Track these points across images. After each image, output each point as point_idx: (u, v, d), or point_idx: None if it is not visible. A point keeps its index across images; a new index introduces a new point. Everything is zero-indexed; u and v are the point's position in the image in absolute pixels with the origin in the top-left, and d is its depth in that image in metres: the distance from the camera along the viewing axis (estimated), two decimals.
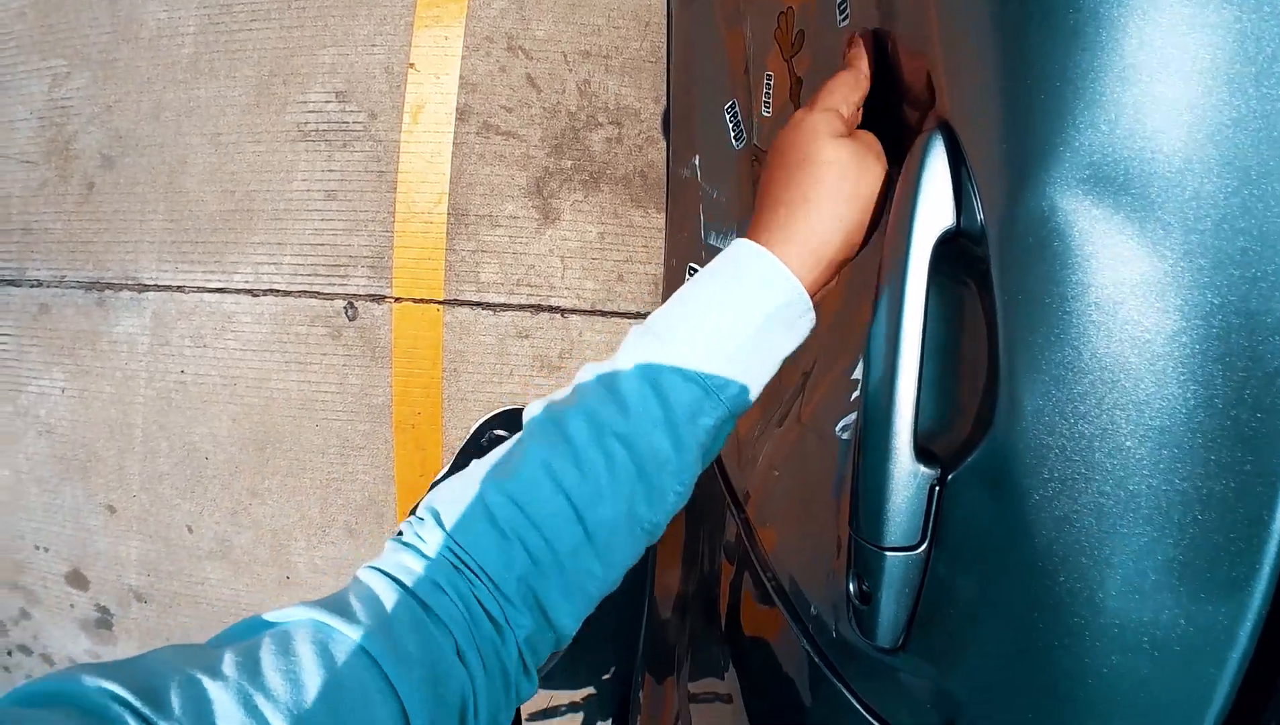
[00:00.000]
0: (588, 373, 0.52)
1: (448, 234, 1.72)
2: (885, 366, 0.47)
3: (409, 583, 0.46)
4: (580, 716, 1.86)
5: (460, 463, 1.68)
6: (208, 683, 0.36)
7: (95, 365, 2.10)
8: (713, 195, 1.18)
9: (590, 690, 1.84)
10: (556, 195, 1.68)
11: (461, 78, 1.70)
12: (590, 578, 0.49)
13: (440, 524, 0.48)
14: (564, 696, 1.83)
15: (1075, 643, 0.43)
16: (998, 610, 0.46)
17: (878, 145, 0.54)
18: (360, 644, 0.41)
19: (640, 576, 1.56)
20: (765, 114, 0.95)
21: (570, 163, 1.66)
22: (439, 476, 1.73)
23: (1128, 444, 0.40)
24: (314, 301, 1.82)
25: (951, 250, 0.47)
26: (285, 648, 0.39)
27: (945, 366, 0.49)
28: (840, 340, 0.66)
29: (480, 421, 1.76)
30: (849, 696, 0.59)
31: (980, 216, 0.46)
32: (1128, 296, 0.40)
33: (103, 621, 2.28)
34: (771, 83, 0.93)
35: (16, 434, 2.23)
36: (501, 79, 1.69)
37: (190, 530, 2.07)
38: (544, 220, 1.69)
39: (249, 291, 1.88)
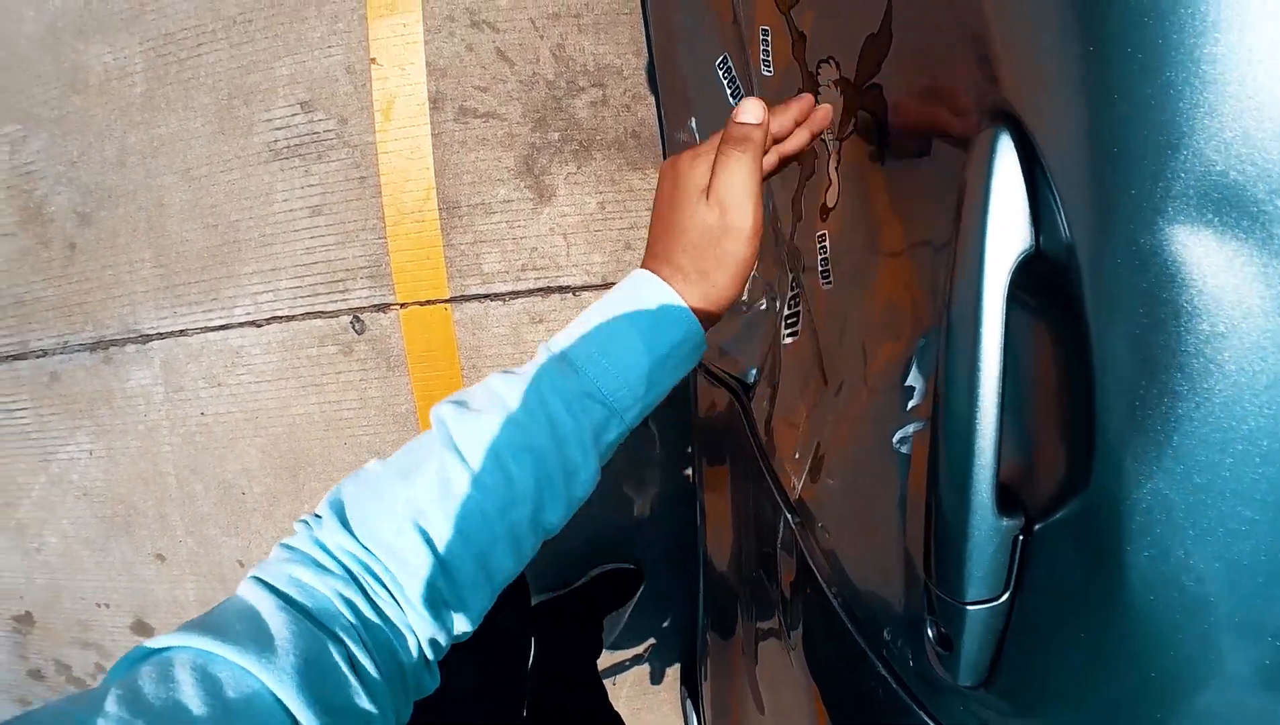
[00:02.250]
0: (500, 384, 0.44)
1: (442, 230, 1.37)
2: (961, 413, 0.36)
3: (296, 596, 0.37)
4: (647, 668, 1.57)
5: None
6: (89, 721, 0.29)
7: (116, 422, 1.73)
8: None
9: (652, 641, 1.55)
10: (548, 171, 1.33)
11: (428, 64, 1.33)
12: (499, 571, 0.43)
13: (345, 526, 0.40)
14: (628, 652, 1.54)
15: (1172, 698, 0.35)
16: (1089, 657, 0.37)
17: (750, 192, 0.44)
18: (240, 665, 0.33)
19: (688, 537, 1.27)
20: (766, 73, 0.75)
21: (557, 134, 1.31)
22: None
23: (1246, 513, 0.31)
24: (319, 322, 1.47)
25: (1031, 270, 0.35)
26: (165, 675, 0.32)
27: (1026, 401, 0.38)
28: (892, 339, 0.52)
29: None
30: (928, 720, 0.49)
31: (1066, 234, 0.33)
32: (1262, 341, 0.29)
33: None
34: (769, 39, 0.74)
35: (55, 502, 1.86)
36: (470, 58, 1.33)
37: (241, 564, 1.72)
38: (539, 199, 1.34)
39: (252, 323, 1.51)
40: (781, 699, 0.86)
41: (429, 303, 1.43)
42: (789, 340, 0.77)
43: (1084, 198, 0.32)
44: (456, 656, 0.46)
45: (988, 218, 0.35)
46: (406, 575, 0.39)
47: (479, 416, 0.42)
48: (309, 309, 1.49)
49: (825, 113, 0.51)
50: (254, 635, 0.35)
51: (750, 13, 0.78)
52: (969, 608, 0.39)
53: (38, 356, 1.79)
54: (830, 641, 0.65)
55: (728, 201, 0.43)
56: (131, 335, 1.66)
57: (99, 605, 1.94)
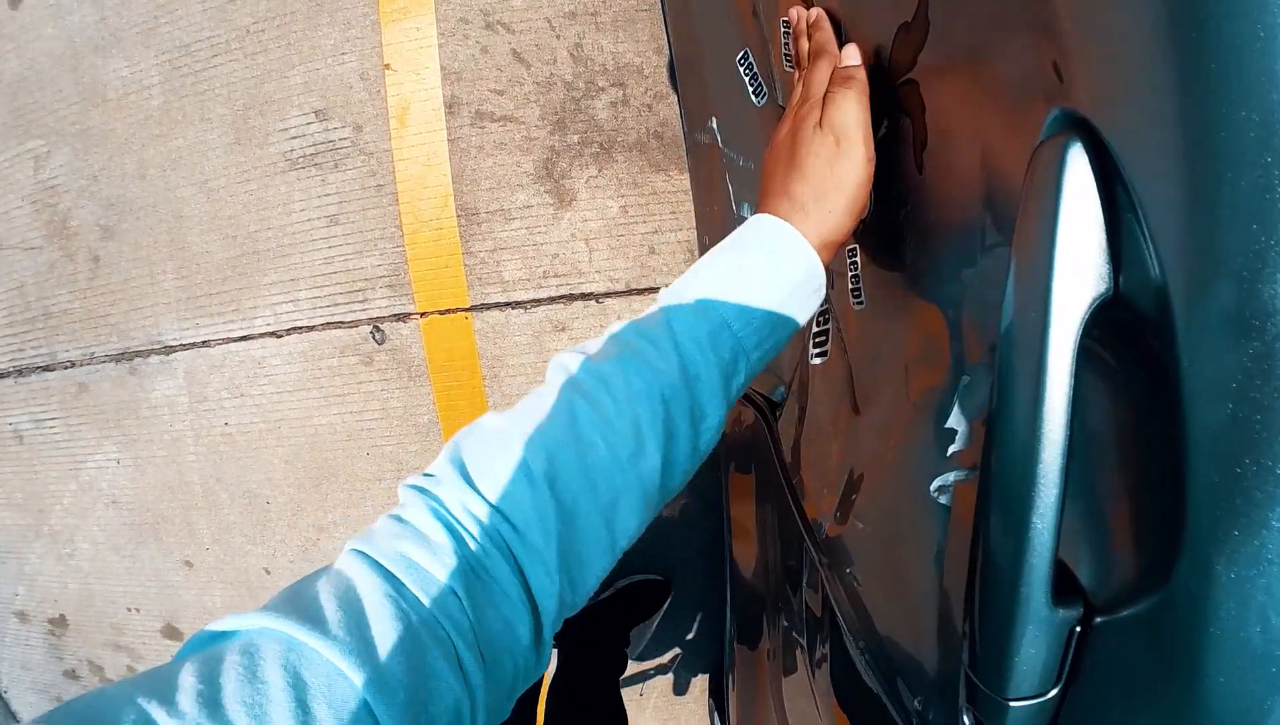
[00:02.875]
0: (623, 329, 0.41)
1: (461, 237, 1.28)
2: (1015, 488, 0.29)
3: (405, 579, 0.31)
4: (674, 677, 1.49)
5: None
6: (161, 718, 0.24)
7: (142, 432, 1.66)
8: (738, 162, 0.87)
9: (679, 651, 1.46)
10: (568, 175, 1.23)
11: (443, 68, 1.24)
12: (622, 532, 0.38)
13: (469, 482, 0.34)
14: (655, 662, 1.45)
15: None
16: None
17: (861, 122, 0.44)
18: (338, 668, 0.27)
19: (717, 548, 1.18)
20: (789, 69, 0.68)
21: (576, 137, 1.21)
22: None
23: None
24: (339, 332, 1.38)
25: (1108, 316, 0.27)
26: (251, 672, 0.26)
27: (1095, 471, 0.30)
28: (931, 374, 0.44)
29: None
30: None
31: (1157, 275, 0.25)
32: None
33: None
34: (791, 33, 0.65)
35: (85, 509, 1.80)
36: (485, 61, 1.23)
37: (268, 572, 1.65)
38: (560, 204, 1.25)
39: (273, 334, 1.43)
40: (805, 720, 0.77)
41: (449, 312, 1.35)
42: (817, 360, 0.69)
43: (1184, 231, 0.24)
44: None
45: (1055, 253, 0.27)
46: (533, 536, 0.34)
47: (604, 360, 0.38)
48: (329, 319, 1.41)
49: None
50: (356, 631, 0.29)
51: (771, 5, 0.68)
52: (1012, 704, 0.33)
53: (66, 367, 1.72)
54: (854, 689, 0.57)
55: (840, 131, 0.43)
56: (155, 346, 1.59)
57: (130, 609, 1.88)
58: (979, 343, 0.39)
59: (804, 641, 0.72)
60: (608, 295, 1.30)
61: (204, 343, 1.53)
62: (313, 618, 0.29)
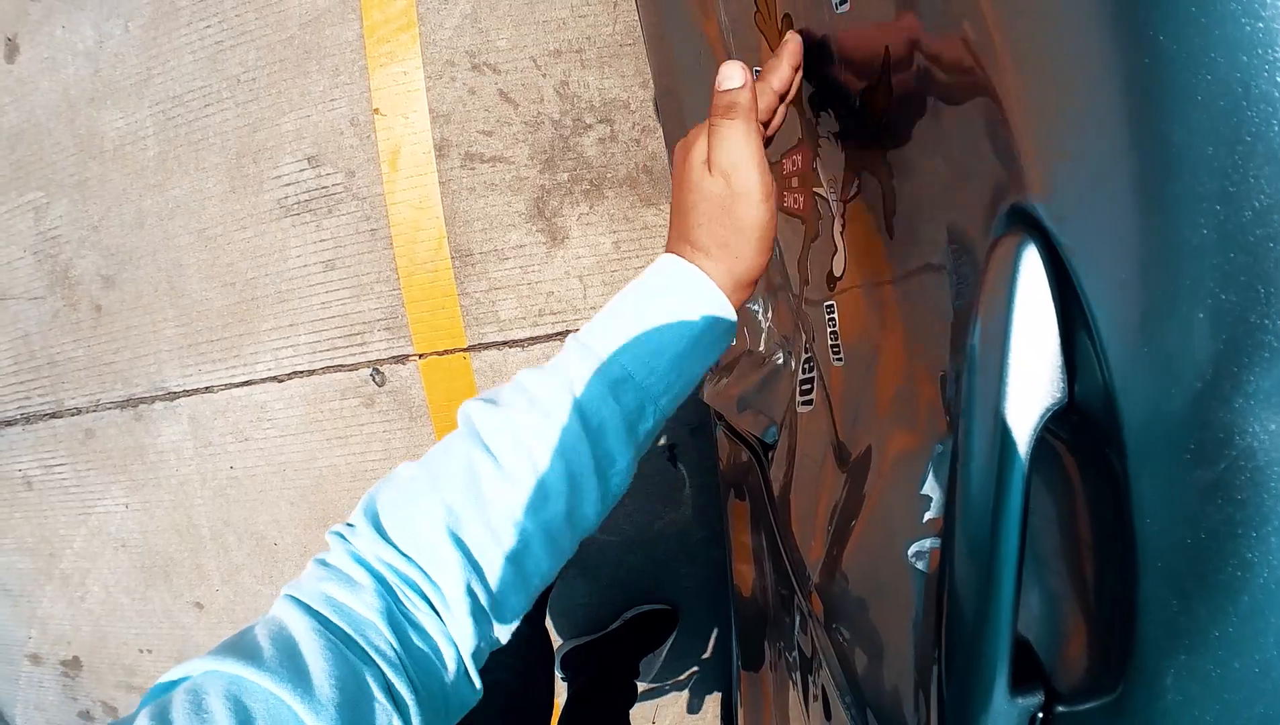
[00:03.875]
0: (529, 378, 0.39)
1: (456, 278, 1.23)
2: (972, 586, 0.28)
3: (332, 616, 0.33)
4: (685, 695, 1.43)
5: None
6: None
7: (149, 477, 1.60)
8: None
9: (693, 671, 1.40)
10: (559, 212, 1.18)
11: (431, 111, 1.19)
12: (535, 573, 0.37)
13: (381, 533, 0.35)
14: (667, 683, 1.39)
15: None
16: None
17: (749, 156, 0.38)
18: (274, 694, 0.29)
19: (722, 575, 1.13)
20: None
21: (566, 175, 1.16)
22: None
23: None
24: (339, 375, 1.33)
25: (1064, 418, 0.26)
26: (197, 706, 0.28)
27: (1051, 562, 0.30)
28: (907, 437, 0.41)
29: None
30: None
31: (1104, 379, 0.24)
32: None
33: None
34: None
35: (96, 553, 1.74)
36: (473, 102, 1.18)
37: None
38: (553, 242, 1.20)
39: (274, 378, 1.38)
40: None
41: (447, 352, 1.29)
42: (804, 408, 0.65)
43: (1136, 348, 0.23)
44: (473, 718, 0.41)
45: (1008, 363, 0.26)
46: (444, 581, 0.35)
47: (507, 412, 0.37)
48: (328, 363, 1.35)
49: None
50: (289, 663, 0.30)
51: (739, 29, 0.63)
52: None
53: (72, 414, 1.67)
54: None
55: (729, 169, 0.39)
56: (159, 393, 1.53)
57: (142, 651, 1.82)
58: (949, 417, 0.37)
59: (797, 676, 0.67)
60: None
61: (207, 388, 1.48)
62: (250, 655, 0.30)
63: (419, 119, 1.24)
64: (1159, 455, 0.23)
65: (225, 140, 1.38)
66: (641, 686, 1.34)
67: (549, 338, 1.26)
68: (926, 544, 0.39)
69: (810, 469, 0.62)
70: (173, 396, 1.52)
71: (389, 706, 0.32)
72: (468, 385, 1.30)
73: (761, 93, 0.40)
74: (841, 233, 0.50)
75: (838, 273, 0.52)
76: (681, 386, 0.40)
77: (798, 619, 0.65)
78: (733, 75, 0.39)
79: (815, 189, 0.53)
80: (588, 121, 1.19)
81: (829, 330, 0.54)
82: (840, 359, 0.53)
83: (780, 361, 0.77)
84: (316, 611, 0.33)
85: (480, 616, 0.35)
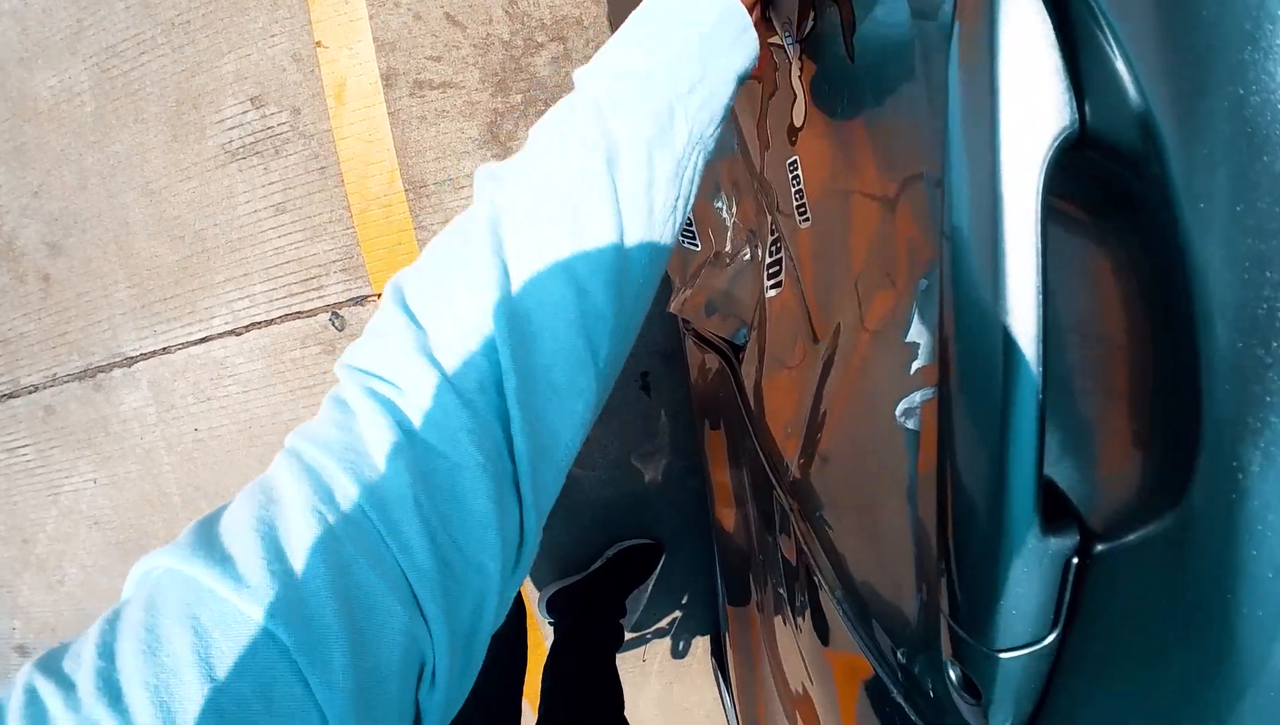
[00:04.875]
0: (547, 116, 0.32)
1: (411, 212, 1.13)
2: (982, 386, 0.22)
3: (345, 482, 0.23)
4: (667, 642, 1.37)
5: None
6: (57, 712, 0.18)
7: (115, 449, 1.49)
8: None
9: (678, 614, 1.34)
10: (515, 136, 1.10)
11: (376, 40, 1.09)
12: (600, 333, 0.28)
13: (423, 349, 0.26)
14: (656, 625, 1.33)
15: None
16: (1175, 706, 0.22)
17: None
18: (264, 625, 0.20)
19: (703, 506, 1.07)
20: None
21: (520, 96, 1.08)
22: None
23: None
24: (298, 323, 1.23)
25: (1073, 164, 0.20)
26: (153, 646, 0.20)
27: (1071, 363, 0.23)
28: (887, 284, 0.35)
29: None
30: None
31: (1136, 101, 0.18)
32: None
33: None
34: None
35: (69, 534, 1.62)
36: (419, 28, 1.09)
37: None
38: None
39: (232, 332, 1.28)
40: (798, 676, 0.66)
41: None
42: (773, 292, 0.59)
43: (1174, 42, 0.17)
44: None
45: (998, 80, 0.20)
46: (502, 391, 0.27)
47: (529, 154, 0.31)
48: (286, 311, 1.26)
49: None
50: (275, 567, 0.22)
51: None
52: (1002, 655, 0.26)
53: (30, 392, 1.54)
54: (838, 646, 0.47)
55: None
56: (116, 359, 1.42)
57: None
58: (934, 239, 0.31)
59: (784, 590, 0.61)
60: None
61: (164, 349, 1.37)
62: (223, 555, 0.22)
63: (363, 49, 1.14)
64: (1214, 161, 0.17)
65: (164, 88, 1.26)
66: (629, 635, 1.28)
67: None
68: (917, 398, 0.33)
69: (782, 356, 0.56)
70: (130, 362, 1.41)
71: (404, 615, 0.23)
72: None
73: None
74: (800, 76, 0.45)
75: (799, 122, 0.46)
76: (708, 94, 0.33)
77: (778, 523, 0.59)
78: None
79: (770, 39, 0.48)
80: (539, 41, 1.10)
81: (794, 190, 0.48)
82: (807, 219, 0.47)
83: (747, 257, 0.71)
84: (320, 478, 0.24)
85: (530, 428, 0.27)
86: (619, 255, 0.29)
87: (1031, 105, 0.20)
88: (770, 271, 0.60)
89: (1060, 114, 0.20)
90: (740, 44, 0.35)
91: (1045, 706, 0.27)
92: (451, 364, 0.26)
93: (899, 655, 0.37)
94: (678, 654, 1.34)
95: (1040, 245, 0.20)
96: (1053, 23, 0.20)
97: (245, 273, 1.26)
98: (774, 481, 0.54)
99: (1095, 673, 0.25)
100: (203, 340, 1.33)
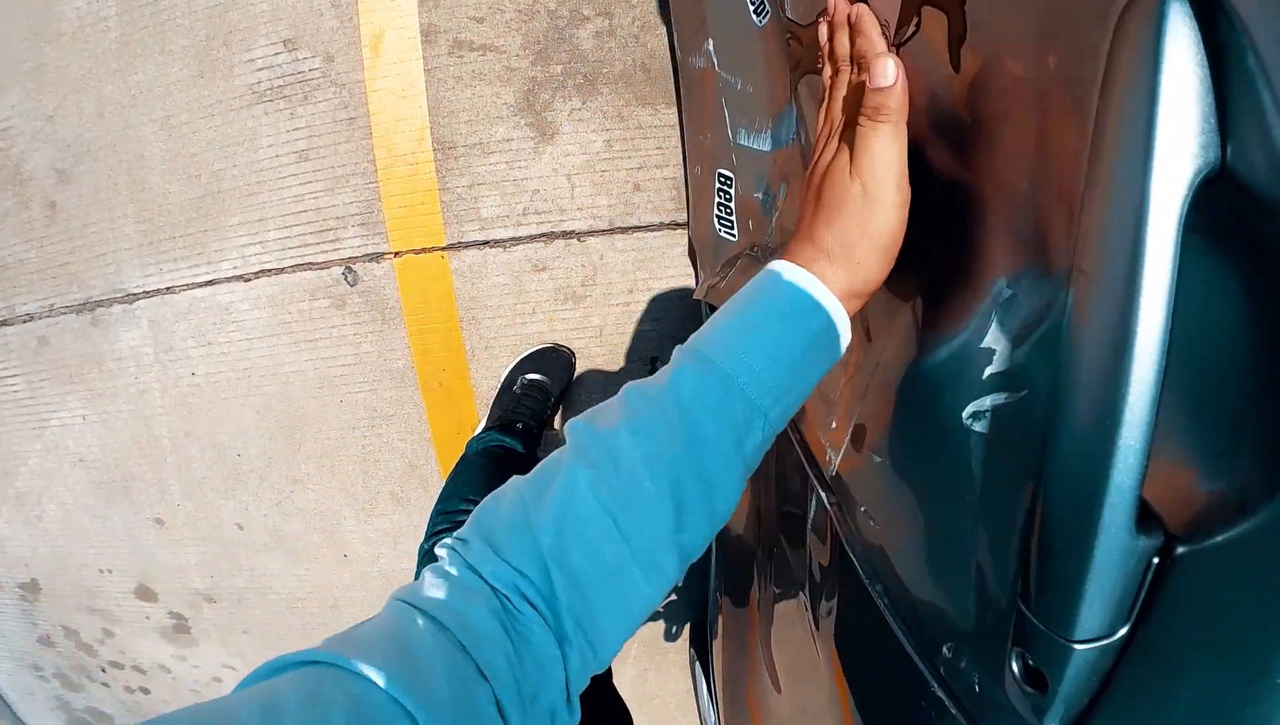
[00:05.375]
0: (633, 393, 0.36)
1: (437, 172, 1.09)
2: (1103, 397, 0.24)
3: (449, 624, 0.30)
4: (658, 626, 1.33)
5: (496, 414, 1.09)
6: None
7: (107, 386, 1.42)
8: (736, 86, 0.73)
9: (672, 597, 1.30)
10: (550, 107, 1.05)
11: None
12: (635, 595, 0.34)
13: (493, 550, 0.32)
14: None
15: None
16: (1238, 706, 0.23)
17: (893, 164, 0.34)
18: (390, 693, 0.26)
19: None
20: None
21: (560, 67, 1.03)
22: (479, 430, 1.14)
23: None
24: (309, 274, 1.18)
25: (1206, 195, 0.21)
26: (311, 693, 0.25)
27: (1185, 383, 0.24)
28: (962, 287, 0.35)
29: (510, 367, 1.16)
30: None
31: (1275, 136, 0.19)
32: None
33: (179, 627, 1.65)
34: None
35: (52, 470, 1.55)
36: None
37: (241, 528, 1.44)
38: (541, 137, 1.07)
39: (240, 278, 1.22)
40: (801, 682, 0.64)
41: (424, 251, 1.15)
42: None
43: None
44: None
45: (1156, 119, 0.21)
46: (552, 601, 0.32)
47: (609, 427, 0.34)
48: (298, 261, 1.20)
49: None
50: (405, 661, 0.27)
51: None
52: (1077, 646, 0.27)
53: (25, 321, 1.47)
54: (869, 640, 0.46)
55: (870, 175, 0.35)
56: (118, 295, 1.36)
57: (102, 571, 1.64)
58: (1026, 248, 0.31)
59: (806, 595, 0.58)
60: (590, 233, 1.12)
61: (168, 289, 1.31)
62: (366, 652, 0.27)
63: (406, 2, 1.09)
64: None
65: (194, 21, 1.20)
66: None
67: (532, 239, 1.13)
68: (987, 402, 0.33)
69: None
70: (132, 299, 1.35)
71: (498, 720, 0.29)
72: (445, 288, 1.16)
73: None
74: None
75: None
76: (791, 399, 0.36)
77: (811, 522, 0.56)
78: (886, 72, 0.33)
79: None
80: (585, 14, 1.06)
81: None
82: None
83: None
84: (434, 617, 0.30)
85: (581, 641, 0.33)
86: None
87: (1183, 140, 0.21)
88: None
89: (1207, 151, 0.21)
90: (834, 352, 0.36)
91: (1101, 700, 0.28)
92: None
93: (945, 650, 0.36)
94: (670, 637, 1.30)
95: (1175, 268, 0.22)
96: (1207, 62, 0.21)
97: (260, 218, 1.21)
98: (812, 476, 0.52)
99: (1161, 668, 0.26)
100: (209, 283, 1.27)
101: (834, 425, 0.50)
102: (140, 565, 1.61)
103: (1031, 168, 0.30)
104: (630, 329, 1.16)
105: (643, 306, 1.15)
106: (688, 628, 1.34)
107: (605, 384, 1.20)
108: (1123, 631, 0.26)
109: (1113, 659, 0.27)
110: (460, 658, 0.29)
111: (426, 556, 0.80)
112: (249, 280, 1.24)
